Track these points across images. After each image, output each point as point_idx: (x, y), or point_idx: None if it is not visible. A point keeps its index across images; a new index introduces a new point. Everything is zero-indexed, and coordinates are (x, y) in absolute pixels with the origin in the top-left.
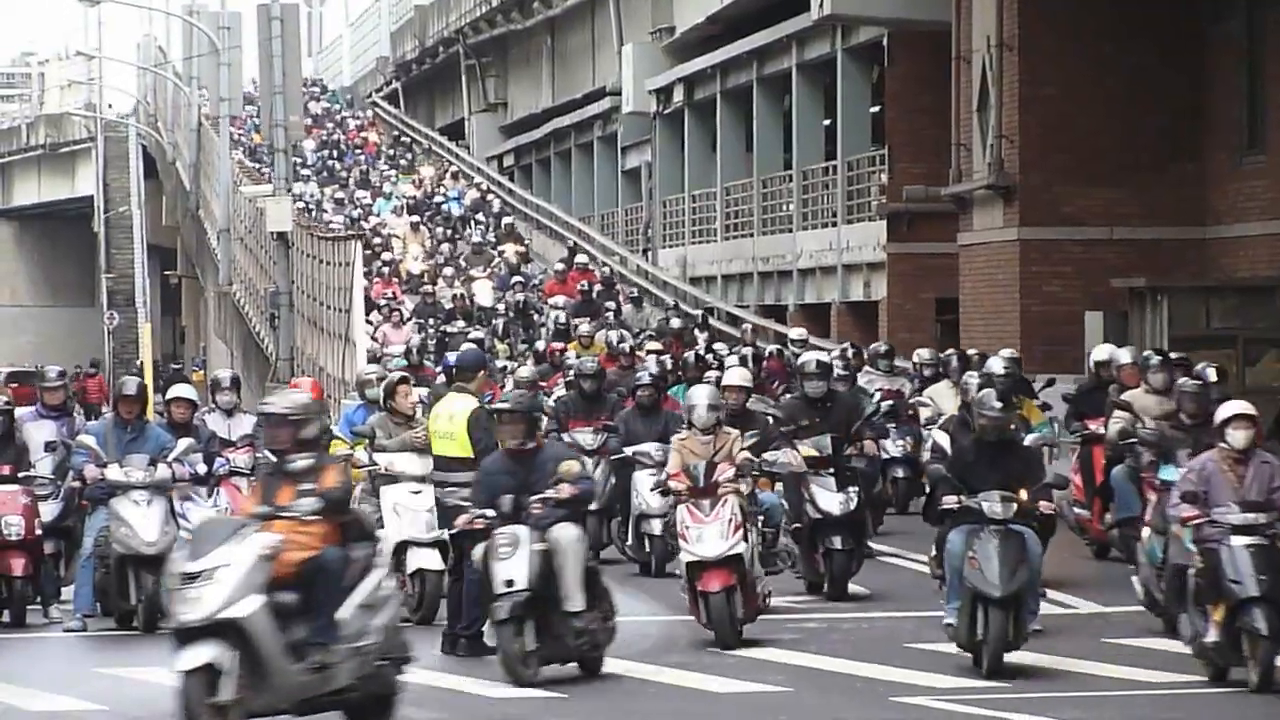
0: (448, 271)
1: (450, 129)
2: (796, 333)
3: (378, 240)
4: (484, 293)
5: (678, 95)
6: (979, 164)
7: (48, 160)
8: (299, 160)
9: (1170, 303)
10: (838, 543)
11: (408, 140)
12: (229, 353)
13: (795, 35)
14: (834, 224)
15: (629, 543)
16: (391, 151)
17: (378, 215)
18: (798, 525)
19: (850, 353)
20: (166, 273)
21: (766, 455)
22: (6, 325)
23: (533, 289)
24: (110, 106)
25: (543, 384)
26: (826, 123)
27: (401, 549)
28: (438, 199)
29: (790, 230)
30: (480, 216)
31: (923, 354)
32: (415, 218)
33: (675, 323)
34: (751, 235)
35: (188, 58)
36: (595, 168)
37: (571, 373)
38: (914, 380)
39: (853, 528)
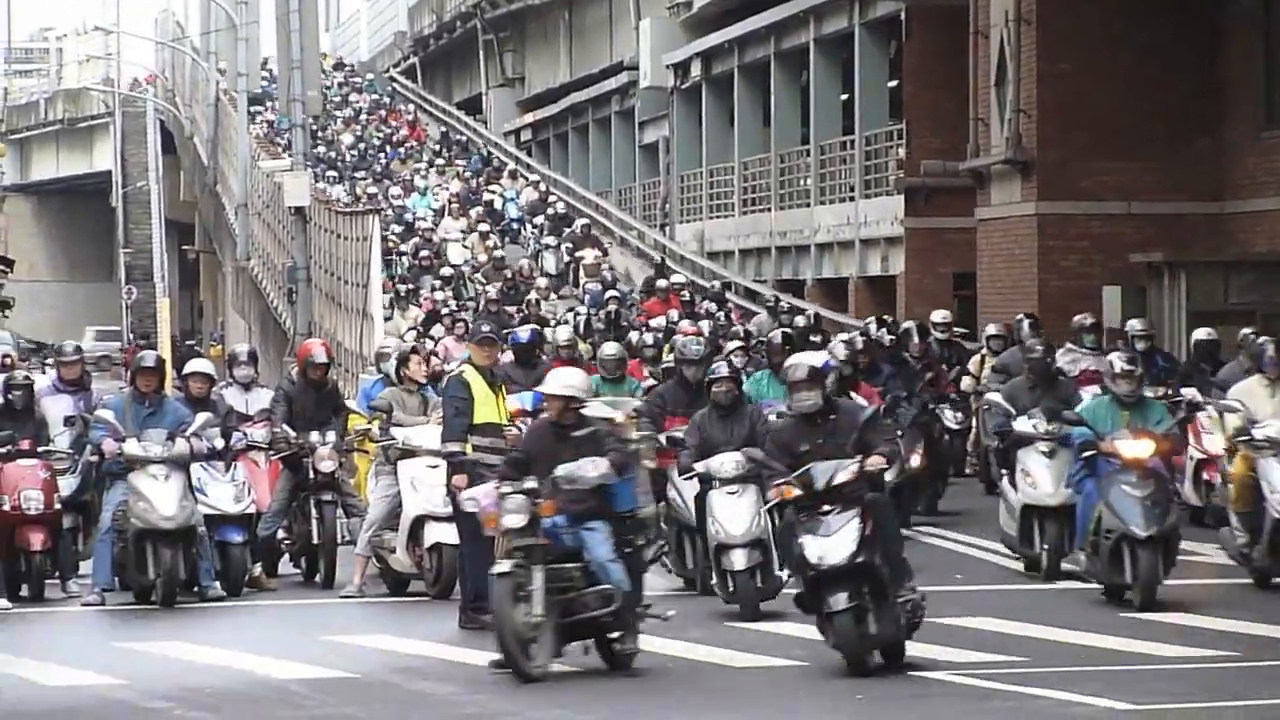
0: (541, 283)
1: (468, 104)
2: (940, 314)
3: (425, 253)
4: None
5: (695, 70)
6: (997, 139)
7: (66, 135)
8: (334, 156)
9: (1188, 277)
10: (841, 601)
11: (463, 139)
12: (246, 327)
13: (813, 10)
14: (851, 199)
15: (713, 580)
16: (437, 146)
17: (413, 211)
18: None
19: (1026, 323)
20: (184, 248)
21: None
22: (25, 300)
23: (629, 305)
24: (137, 82)
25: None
26: (844, 97)
27: (419, 523)
28: (485, 197)
29: (808, 205)
30: (539, 219)
31: (1135, 325)
32: (484, 226)
33: (800, 320)
34: (769, 210)
35: (205, 33)
36: (613, 143)
37: (672, 357)
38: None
39: (860, 577)
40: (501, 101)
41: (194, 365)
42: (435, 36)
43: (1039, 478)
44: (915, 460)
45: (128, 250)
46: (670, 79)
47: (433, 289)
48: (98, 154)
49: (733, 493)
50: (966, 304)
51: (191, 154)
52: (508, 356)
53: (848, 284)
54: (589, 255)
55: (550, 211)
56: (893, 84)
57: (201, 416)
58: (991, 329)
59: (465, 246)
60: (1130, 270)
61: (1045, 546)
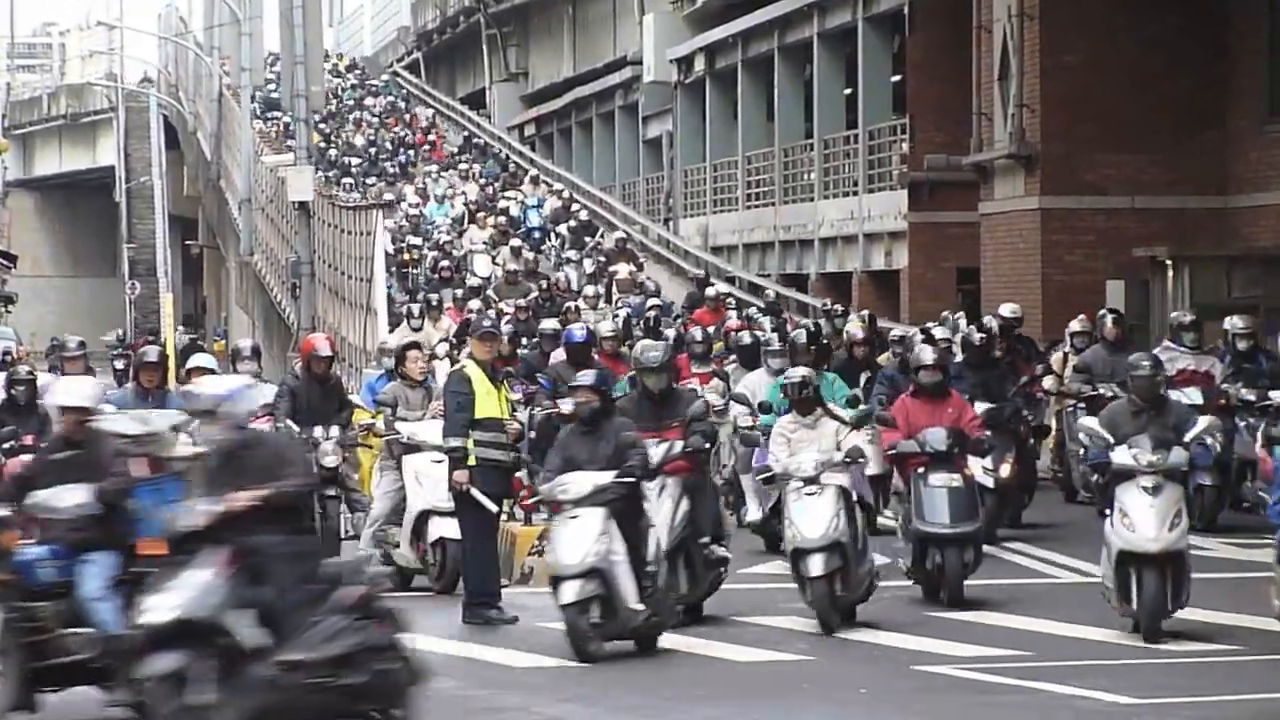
0: (590, 291)
1: (471, 98)
2: (1008, 309)
3: (445, 264)
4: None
5: (699, 64)
6: (1000, 133)
7: (69, 130)
8: (347, 162)
9: (1192, 272)
10: (157, 666)
11: (480, 142)
12: (250, 322)
13: (816, 4)
14: (855, 193)
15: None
16: (455, 151)
17: (430, 220)
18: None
19: (1110, 319)
20: (188, 243)
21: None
22: (29, 295)
23: (675, 317)
24: (147, 78)
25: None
26: (847, 92)
27: (424, 518)
28: (502, 204)
29: (812, 199)
30: (561, 229)
31: (1236, 322)
32: (516, 241)
33: (856, 321)
34: (773, 204)
35: (209, 27)
36: (616, 137)
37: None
38: (1224, 358)
39: (191, 637)
40: (505, 96)
41: (197, 360)
42: (439, 31)
43: (1138, 519)
44: (1005, 470)
45: (131, 245)
46: (674, 73)
47: (454, 300)
48: (101, 149)
49: (812, 493)
50: (970, 299)
51: (195, 149)
52: (560, 356)
53: (851, 278)
54: (623, 270)
55: (572, 223)
56: (896, 78)
57: None
58: (1075, 325)
59: (496, 263)
60: (1134, 264)
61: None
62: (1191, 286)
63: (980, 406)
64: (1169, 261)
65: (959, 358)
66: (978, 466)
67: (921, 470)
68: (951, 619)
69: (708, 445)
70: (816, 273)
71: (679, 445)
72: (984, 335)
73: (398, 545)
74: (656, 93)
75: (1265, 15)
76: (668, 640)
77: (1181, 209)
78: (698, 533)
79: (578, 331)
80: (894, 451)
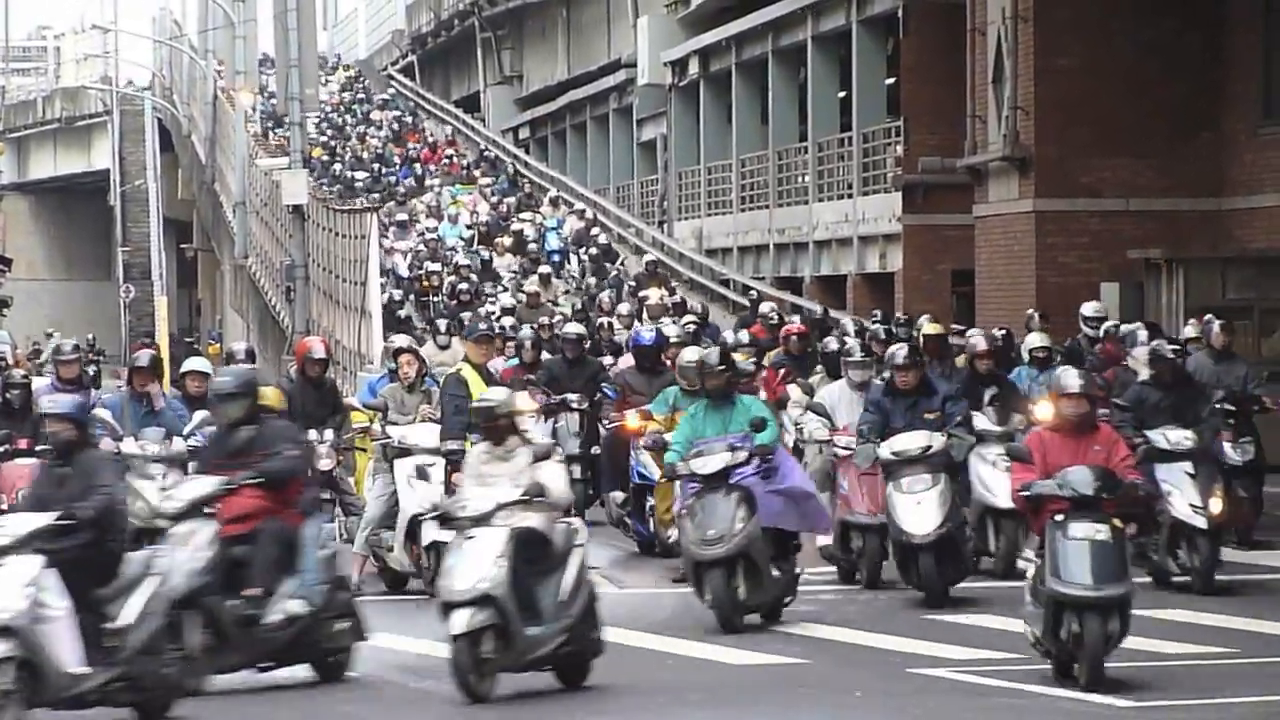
0: (623, 309)
1: (466, 101)
2: (1090, 307)
3: (464, 287)
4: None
5: (693, 67)
6: (994, 135)
7: (64, 134)
8: (351, 177)
9: (1186, 274)
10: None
11: (492, 155)
12: (245, 326)
13: (810, 6)
14: (850, 195)
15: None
16: (465, 164)
17: (443, 239)
18: None
19: (1217, 325)
20: (182, 246)
21: None
22: (23, 299)
23: (719, 339)
24: (131, 83)
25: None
26: (842, 94)
27: (417, 521)
28: (515, 225)
29: (806, 202)
30: (582, 254)
31: None
32: (546, 269)
33: (930, 329)
34: (767, 207)
35: (203, 30)
36: (611, 140)
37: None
38: None
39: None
40: (500, 99)
41: (191, 364)
42: (433, 34)
43: None
44: (1215, 505)
45: (125, 249)
46: (668, 76)
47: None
48: (95, 152)
49: (471, 538)
50: (965, 301)
51: (189, 152)
52: (627, 361)
53: (846, 281)
54: (654, 295)
55: (593, 250)
56: (890, 81)
57: (199, 415)
58: (1189, 330)
59: (522, 292)
60: (1129, 266)
61: None
62: (1186, 288)
63: (1175, 434)
64: (1164, 263)
65: (1143, 375)
66: (1184, 504)
67: (1060, 518)
68: (948, 621)
69: (263, 480)
70: (811, 275)
71: (212, 482)
72: (1178, 346)
73: (391, 549)
74: (651, 96)
75: (1260, 19)
76: (664, 643)
77: (1176, 211)
78: (239, 584)
79: (646, 334)
80: (1028, 494)
